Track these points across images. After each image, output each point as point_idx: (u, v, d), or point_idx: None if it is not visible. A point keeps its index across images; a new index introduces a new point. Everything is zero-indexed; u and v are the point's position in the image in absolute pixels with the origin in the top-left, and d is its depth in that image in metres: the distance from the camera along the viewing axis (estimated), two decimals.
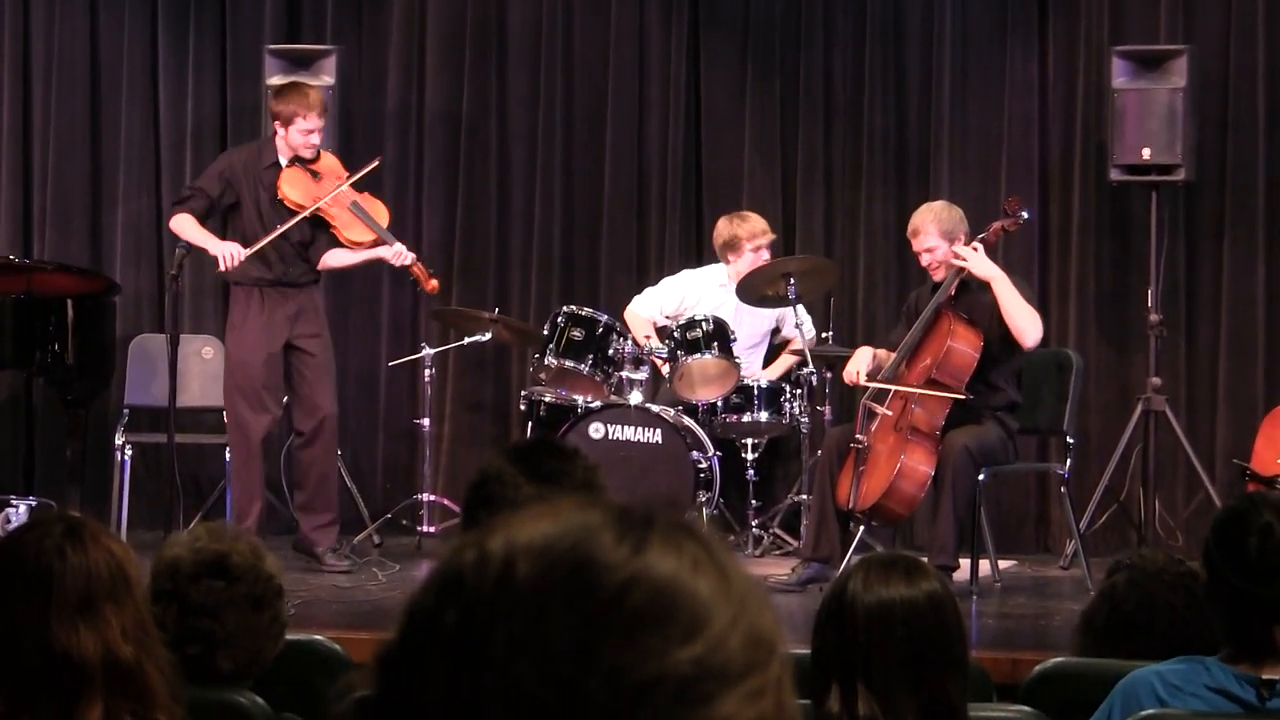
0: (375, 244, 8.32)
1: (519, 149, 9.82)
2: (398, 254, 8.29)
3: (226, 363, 8.42)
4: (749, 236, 8.77)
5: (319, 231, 8.27)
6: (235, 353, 8.29)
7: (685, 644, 1.09)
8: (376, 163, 8.53)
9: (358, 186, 8.40)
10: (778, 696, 1.12)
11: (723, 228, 8.89)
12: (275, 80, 9.30)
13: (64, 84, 9.96)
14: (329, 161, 8.38)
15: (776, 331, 9.12)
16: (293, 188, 8.22)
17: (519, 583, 1.11)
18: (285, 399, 8.43)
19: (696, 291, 8.91)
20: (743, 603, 1.12)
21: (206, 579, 3.34)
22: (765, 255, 8.75)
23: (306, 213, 8.16)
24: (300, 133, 8.21)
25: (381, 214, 8.41)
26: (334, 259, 8.36)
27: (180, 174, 9.91)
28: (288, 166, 8.26)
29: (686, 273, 9.10)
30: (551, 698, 1.08)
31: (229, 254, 8.08)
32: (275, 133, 8.33)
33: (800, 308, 8.57)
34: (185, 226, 8.23)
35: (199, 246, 8.20)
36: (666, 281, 9.05)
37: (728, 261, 8.87)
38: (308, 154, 8.27)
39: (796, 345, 8.68)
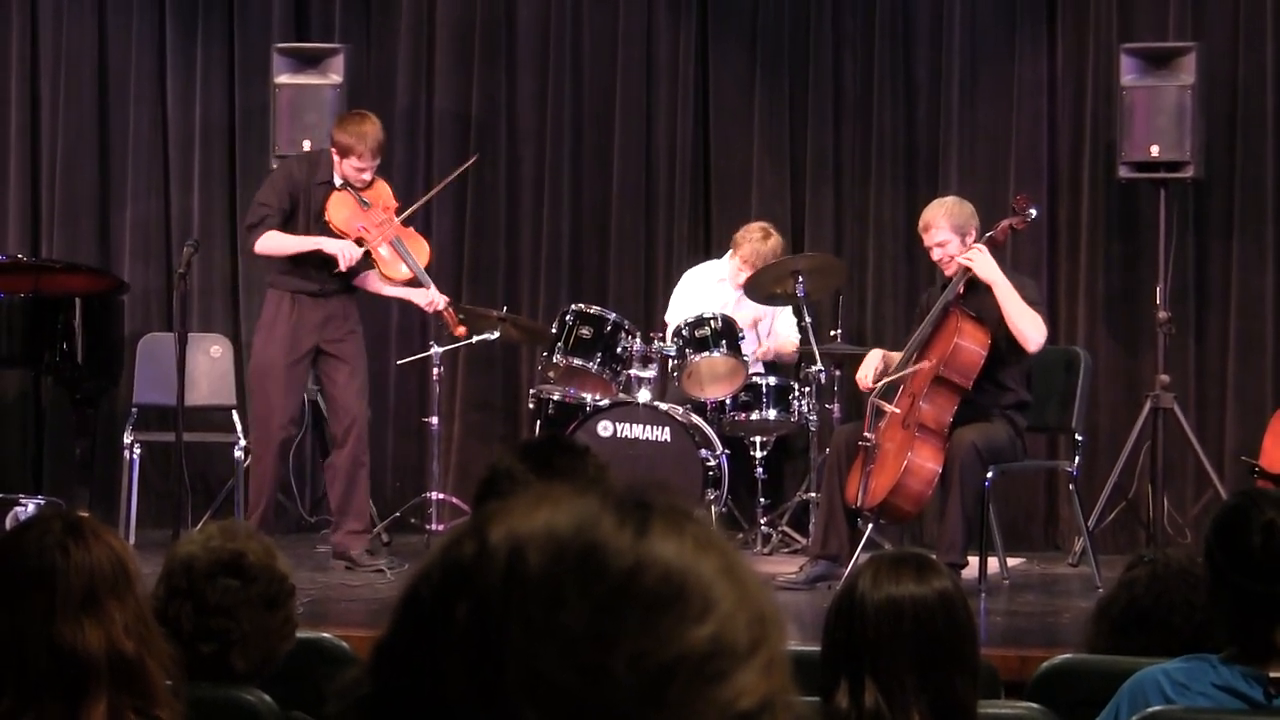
0: (411, 282, 8.30)
1: (528, 148, 9.83)
2: (430, 303, 8.29)
3: (251, 362, 8.38)
4: (744, 254, 8.72)
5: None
6: (261, 353, 8.24)
7: (699, 624, 1.11)
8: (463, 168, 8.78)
9: (404, 221, 8.34)
10: (783, 670, 1.14)
11: (746, 231, 8.82)
12: (284, 79, 9.30)
13: (72, 83, 9.97)
14: (380, 190, 8.28)
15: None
16: (338, 212, 8.15)
17: (530, 572, 1.11)
18: (305, 405, 8.41)
19: (700, 289, 8.89)
20: (742, 581, 1.14)
21: (222, 578, 3.34)
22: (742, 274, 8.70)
23: (359, 252, 8.09)
24: (353, 169, 8.11)
25: (423, 253, 8.35)
26: (369, 284, 8.33)
27: (189, 173, 9.92)
28: (339, 189, 8.17)
29: (687, 275, 9.08)
30: (577, 683, 1.09)
31: (348, 254, 8.03)
32: (333, 153, 8.20)
33: (783, 313, 8.70)
34: (280, 241, 8.11)
35: (312, 250, 8.06)
36: (676, 295, 9.01)
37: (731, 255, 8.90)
38: (358, 184, 8.19)
39: (785, 348, 8.81)
